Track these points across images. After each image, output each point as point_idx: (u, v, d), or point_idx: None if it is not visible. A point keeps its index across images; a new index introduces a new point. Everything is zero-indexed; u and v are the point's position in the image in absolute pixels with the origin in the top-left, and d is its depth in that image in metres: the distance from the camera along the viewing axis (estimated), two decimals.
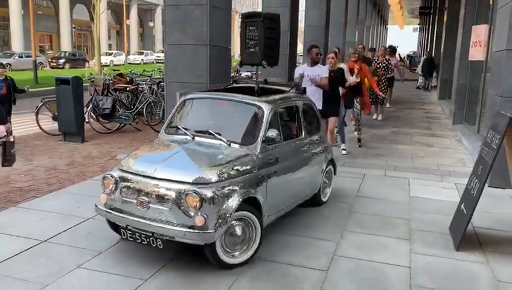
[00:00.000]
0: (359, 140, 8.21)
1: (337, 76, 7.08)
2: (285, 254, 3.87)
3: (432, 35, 25.83)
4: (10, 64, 27.15)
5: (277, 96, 4.43)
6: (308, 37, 16.46)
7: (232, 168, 3.58)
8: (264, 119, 3.97)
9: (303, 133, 4.63)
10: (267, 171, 3.87)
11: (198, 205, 3.29)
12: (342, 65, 7.81)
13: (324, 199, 5.17)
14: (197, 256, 3.70)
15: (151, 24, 52.16)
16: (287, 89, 4.83)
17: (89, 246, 3.88)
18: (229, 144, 3.87)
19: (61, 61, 33.05)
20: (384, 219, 4.77)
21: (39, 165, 6.74)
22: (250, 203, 3.65)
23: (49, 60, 33.56)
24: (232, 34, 9.53)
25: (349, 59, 8.65)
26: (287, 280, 3.45)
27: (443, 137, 9.55)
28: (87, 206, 4.57)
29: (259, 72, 15.80)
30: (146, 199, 3.45)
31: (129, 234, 3.55)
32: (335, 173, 5.41)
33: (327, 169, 5.12)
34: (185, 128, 4.12)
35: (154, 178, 3.48)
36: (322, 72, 6.83)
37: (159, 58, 43.92)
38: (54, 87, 8.60)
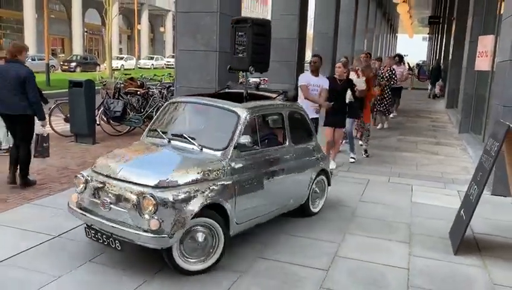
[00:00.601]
0: (366, 151, 8.26)
1: (345, 86, 7.04)
2: (288, 254, 4.01)
3: (441, 45, 25.89)
4: None
5: (257, 103, 4.35)
6: (317, 45, 16.66)
7: (196, 173, 3.53)
8: (238, 125, 3.91)
9: (287, 141, 4.52)
10: (238, 178, 3.79)
11: (153, 208, 3.27)
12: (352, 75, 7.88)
13: (315, 210, 5.04)
14: None
15: (161, 29, 52.72)
16: (274, 95, 4.79)
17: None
18: (201, 149, 3.84)
19: (73, 64, 33.50)
20: (386, 223, 4.89)
21: (52, 164, 6.94)
22: (216, 210, 3.60)
23: (61, 63, 34.05)
24: None
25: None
26: (289, 277, 3.59)
27: (448, 146, 9.64)
28: None
29: (266, 79, 15.91)
30: (108, 199, 3.49)
31: (92, 233, 3.59)
32: (329, 184, 5.26)
33: (318, 179, 4.97)
34: (163, 132, 4.16)
35: (117, 179, 3.52)
36: (323, 83, 6.79)
37: (169, 62, 44.37)
38: (65, 90, 8.80)
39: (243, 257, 3.91)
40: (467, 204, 4.39)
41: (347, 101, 7.26)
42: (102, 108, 9.49)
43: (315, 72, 6.84)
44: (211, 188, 3.56)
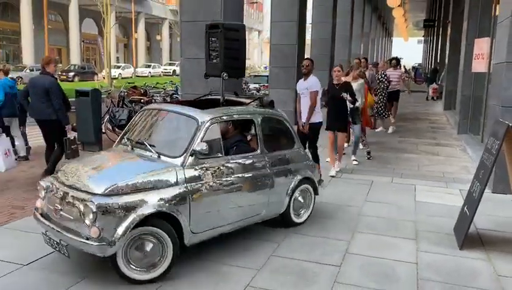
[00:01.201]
0: (368, 153, 8.42)
1: (343, 90, 6.85)
2: (300, 252, 4.18)
3: (437, 48, 26.22)
4: (22, 78, 27.77)
5: (221, 109, 4.26)
6: (315, 50, 16.91)
7: (143, 182, 3.49)
8: (196, 132, 3.84)
9: (260, 149, 4.38)
10: (194, 186, 3.71)
11: (93, 216, 3.25)
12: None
13: (298, 220, 4.83)
14: (219, 249, 4.06)
15: (158, 37, 52.97)
16: (248, 101, 4.72)
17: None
18: (159, 156, 3.81)
19: (71, 74, 33.63)
20: (392, 222, 5.07)
21: None
22: (167, 219, 3.54)
23: (59, 73, 34.21)
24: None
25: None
26: (304, 273, 3.77)
27: (448, 146, 9.84)
28: None
29: (266, 85, 16.09)
30: (59, 206, 3.54)
31: (47, 239, 3.61)
32: (316, 193, 5.04)
33: (301, 188, 4.79)
34: (129, 139, 4.20)
35: (68, 186, 3.55)
36: (310, 85, 6.40)
37: (165, 70, 44.61)
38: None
39: (258, 255, 4.09)
40: (470, 201, 4.57)
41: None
42: (107, 116, 9.66)
43: (306, 75, 6.50)
44: (159, 196, 3.48)
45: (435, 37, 28.67)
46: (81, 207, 3.34)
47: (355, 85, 7.53)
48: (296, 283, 3.61)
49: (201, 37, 7.37)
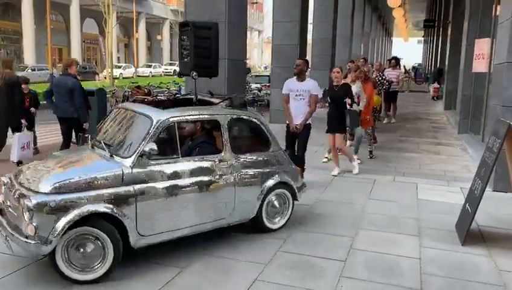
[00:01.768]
0: (370, 152, 8.50)
1: (342, 92, 6.82)
2: (306, 247, 4.29)
3: (437, 48, 26.33)
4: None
5: (180, 109, 4.16)
6: (316, 50, 17.02)
7: (88, 181, 3.46)
8: (148, 131, 3.77)
9: (225, 151, 4.22)
10: (142, 187, 3.65)
11: (29, 214, 3.26)
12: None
13: (272, 226, 4.64)
14: (226, 245, 4.18)
15: (158, 37, 53.04)
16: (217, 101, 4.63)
17: None
18: (111, 155, 3.79)
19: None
20: (395, 219, 5.17)
21: None
22: (109, 220, 3.50)
23: (60, 72, 34.23)
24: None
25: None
26: (310, 268, 3.88)
27: (449, 146, 9.94)
28: None
29: (268, 84, 16.17)
30: (8, 203, 3.61)
31: (2, 235, 3.60)
32: (295, 199, 4.83)
33: (276, 193, 4.62)
34: (93, 138, 4.25)
35: (18, 183, 3.60)
36: (311, 88, 6.14)
37: (166, 70, 44.68)
38: None
39: (264, 251, 4.19)
40: (471, 198, 4.67)
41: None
42: None
43: (300, 76, 6.17)
44: (101, 196, 3.46)
45: (435, 38, 28.78)
46: (22, 205, 3.36)
47: (354, 87, 7.46)
48: (303, 277, 3.71)
49: None
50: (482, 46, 9.37)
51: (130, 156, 3.69)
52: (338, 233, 4.68)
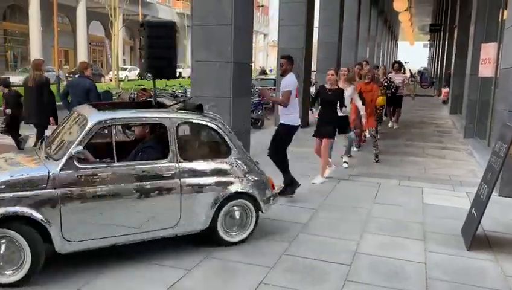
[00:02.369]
0: (376, 156, 8.46)
1: (335, 96, 6.61)
2: (311, 251, 4.28)
3: (443, 52, 26.27)
4: None
5: (120, 111, 4.08)
6: (321, 53, 17.03)
7: (9, 183, 3.42)
8: (81, 134, 3.69)
9: (171, 157, 3.99)
10: (67, 192, 3.55)
11: None
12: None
13: (231, 239, 4.34)
14: (231, 248, 4.19)
15: None
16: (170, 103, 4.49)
17: None
18: (47, 158, 3.76)
19: (78, 75, 33.79)
20: (400, 223, 5.15)
21: None
22: (33, 224, 3.43)
23: (66, 74, 34.48)
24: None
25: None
26: (315, 272, 3.87)
27: (454, 150, 9.90)
28: None
29: (273, 88, 16.11)
30: None
31: None
32: (260, 210, 4.46)
33: (234, 203, 4.31)
34: (42, 140, 4.28)
35: None
36: (283, 84, 5.89)
37: None
38: None
39: (269, 254, 4.19)
40: (477, 203, 4.66)
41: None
42: None
43: (283, 75, 5.99)
44: (21, 199, 3.39)
45: (441, 42, 28.73)
46: None
47: (347, 90, 7.27)
48: (308, 281, 3.71)
49: (211, 41, 7.59)
50: (488, 50, 9.36)
51: (60, 159, 3.62)
52: (343, 237, 4.67)
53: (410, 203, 5.90)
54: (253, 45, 8.39)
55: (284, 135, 5.94)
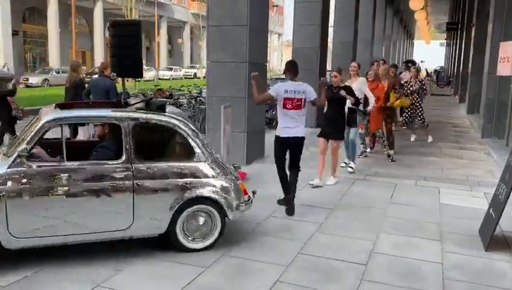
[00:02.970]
0: (388, 155, 8.39)
1: (339, 92, 6.42)
2: (328, 250, 4.30)
3: (460, 51, 25.92)
4: (48, 80, 28.54)
5: (75, 110, 4.10)
6: (336, 53, 16.97)
7: None
8: (32, 131, 3.75)
9: (124, 157, 3.91)
10: (12, 188, 3.60)
11: None
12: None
13: (192, 245, 4.15)
14: (248, 247, 4.23)
15: (179, 41, 53.59)
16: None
17: None
18: (4, 155, 3.83)
19: (95, 76, 34.19)
20: (417, 223, 5.13)
21: None
22: None
23: (84, 75, 34.89)
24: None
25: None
26: (331, 270, 3.89)
27: (472, 150, 9.79)
28: None
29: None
30: None
31: None
32: (227, 216, 4.23)
33: (195, 208, 4.12)
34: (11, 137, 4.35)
35: None
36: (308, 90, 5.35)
37: (187, 73, 45.10)
38: None
39: (285, 253, 4.21)
40: (496, 203, 4.61)
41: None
42: None
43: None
44: None
45: (458, 40, 28.34)
46: None
47: (354, 85, 7.07)
48: (324, 280, 3.73)
49: (227, 41, 7.65)
50: (507, 49, 9.22)
51: (11, 156, 3.70)
52: (359, 237, 4.67)
53: (426, 204, 5.86)
54: (268, 44, 8.38)
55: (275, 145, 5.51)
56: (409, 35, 53.61)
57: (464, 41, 22.44)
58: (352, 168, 7.40)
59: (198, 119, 10.32)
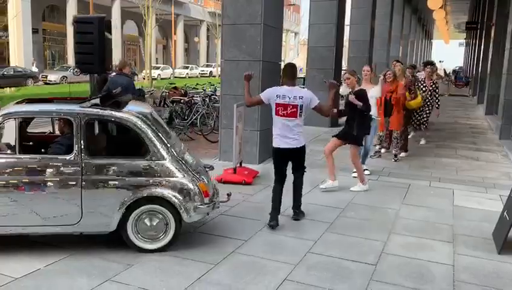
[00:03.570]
0: (395, 155, 8.28)
1: (353, 93, 6.12)
2: (338, 250, 4.29)
3: (479, 50, 25.52)
4: (66, 77, 28.97)
5: (25, 105, 4.25)
6: (352, 53, 16.86)
7: None
8: None
9: (75, 153, 3.93)
10: None
11: None
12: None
13: (144, 246, 4.08)
14: (257, 245, 4.23)
15: (196, 39, 53.84)
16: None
17: None
18: None
19: (112, 74, 34.54)
20: (429, 224, 5.08)
21: None
22: None
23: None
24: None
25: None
26: (340, 270, 3.88)
27: (489, 152, 9.63)
28: None
29: (302, 86, 16.11)
30: None
31: None
32: (183, 219, 4.08)
33: (147, 208, 4.03)
34: None
35: None
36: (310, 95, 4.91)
37: (203, 72, 45.32)
38: None
39: (294, 252, 4.22)
40: (510, 205, 4.54)
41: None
42: None
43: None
44: None
45: (477, 40, 27.90)
46: None
47: (370, 91, 6.71)
48: (332, 279, 3.72)
49: (241, 40, 7.67)
50: None
51: None
52: (369, 237, 4.65)
53: (439, 205, 5.79)
54: (284, 43, 8.36)
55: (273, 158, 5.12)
56: (428, 34, 52.96)
57: (483, 41, 22.09)
58: (366, 169, 7.03)
59: (213, 117, 10.38)
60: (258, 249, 4.25)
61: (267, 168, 7.35)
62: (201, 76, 43.16)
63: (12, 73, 25.91)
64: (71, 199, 3.90)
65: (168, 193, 4.00)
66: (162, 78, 35.49)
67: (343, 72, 14.46)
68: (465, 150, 9.68)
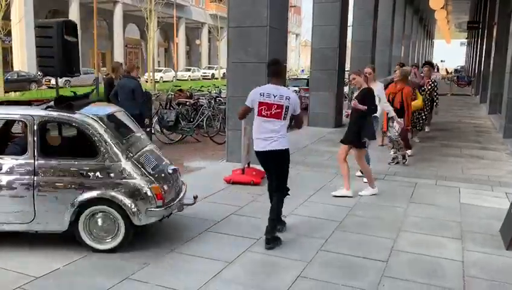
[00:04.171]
0: (403, 156, 8.10)
1: (359, 97, 5.90)
2: (347, 248, 4.36)
3: (481, 50, 25.57)
4: (69, 81, 29.09)
5: None
6: (355, 53, 16.95)
7: None
8: None
9: (27, 153, 4.07)
10: None
11: None
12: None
13: (97, 246, 4.12)
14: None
15: (197, 42, 54.01)
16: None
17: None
18: None
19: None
20: (437, 222, 5.15)
21: None
22: None
23: (104, 76, 35.47)
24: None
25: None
26: (352, 267, 3.96)
27: (493, 150, 9.69)
28: None
29: (306, 87, 16.07)
30: None
31: None
32: (136, 222, 4.06)
33: (95, 209, 4.06)
34: None
35: None
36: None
37: (205, 74, 45.46)
38: None
39: (307, 250, 4.29)
40: None
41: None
42: (156, 118, 10.13)
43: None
44: None
45: (479, 39, 27.95)
46: None
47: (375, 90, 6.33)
48: (345, 276, 3.79)
49: (247, 42, 7.75)
50: None
51: None
52: (379, 235, 4.72)
53: (447, 203, 5.86)
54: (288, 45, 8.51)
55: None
56: (429, 34, 53.01)
57: (485, 40, 22.15)
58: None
59: (218, 119, 10.47)
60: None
61: None
62: (203, 78, 43.29)
63: (16, 77, 26.12)
64: (24, 199, 4.02)
65: (117, 195, 4.03)
66: (164, 81, 35.63)
67: (347, 74, 14.54)
68: (469, 149, 9.74)
